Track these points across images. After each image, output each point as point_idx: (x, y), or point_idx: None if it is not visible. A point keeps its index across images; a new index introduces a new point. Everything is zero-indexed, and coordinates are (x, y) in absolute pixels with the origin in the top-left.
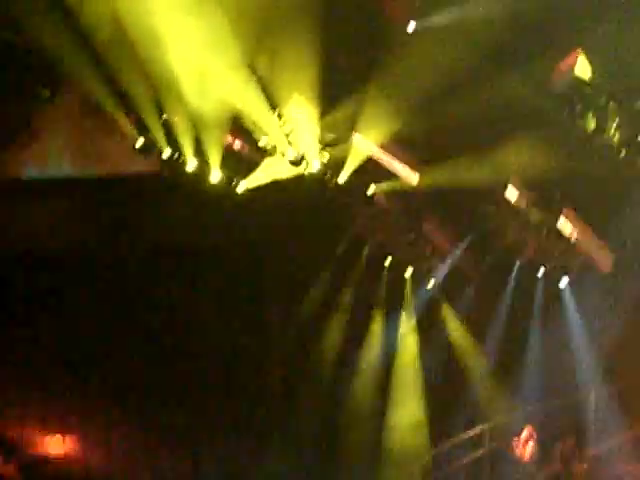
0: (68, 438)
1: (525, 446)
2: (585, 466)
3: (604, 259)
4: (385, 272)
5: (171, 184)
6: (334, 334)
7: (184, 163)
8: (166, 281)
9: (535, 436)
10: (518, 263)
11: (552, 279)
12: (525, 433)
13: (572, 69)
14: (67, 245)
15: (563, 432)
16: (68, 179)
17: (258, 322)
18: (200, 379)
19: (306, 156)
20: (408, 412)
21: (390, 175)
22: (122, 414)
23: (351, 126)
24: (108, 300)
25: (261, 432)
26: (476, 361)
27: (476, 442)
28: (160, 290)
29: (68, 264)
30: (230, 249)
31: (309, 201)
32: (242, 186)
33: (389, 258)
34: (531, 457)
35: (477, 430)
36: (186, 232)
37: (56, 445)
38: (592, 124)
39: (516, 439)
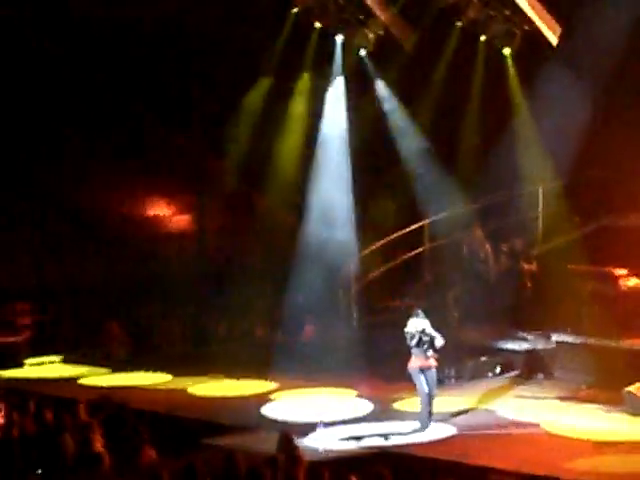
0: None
1: (480, 246)
2: (533, 266)
3: (551, 30)
4: (314, 36)
5: None
6: (258, 94)
7: None
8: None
9: (484, 235)
10: (458, 25)
11: (494, 47)
12: (477, 233)
13: None
14: None
15: (511, 231)
16: None
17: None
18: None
19: None
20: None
21: None
22: None
23: None
24: None
25: None
26: (409, 139)
27: (415, 239)
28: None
29: None
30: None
31: None
32: None
33: (318, 23)
34: (487, 256)
35: (415, 226)
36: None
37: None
38: None
39: (467, 237)
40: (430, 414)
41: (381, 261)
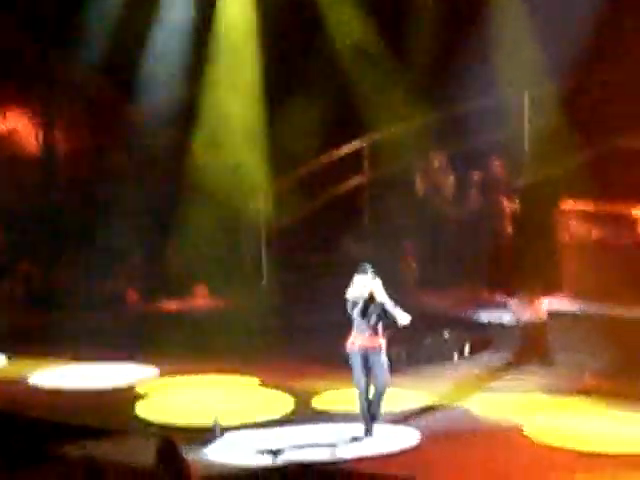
0: None
1: (441, 177)
2: (516, 204)
3: None
4: None
5: None
6: None
7: None
8: None
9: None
10: None
11: None
12: (436, 162)
13: None
14: None
15: (485, 156)
16: None
17: None
18: None
19: None
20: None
21: None
22: None
23: None
24: None
25: None
26: (340, 21)
27: (350, 168)
28: None
29: None
30: None
31: None
32: None
33: None
34: (450, 191)
35: (351, 147)
36: None
37: None
38: None
39: (422, 164)
40: (374, 416)
41: (302, 198)
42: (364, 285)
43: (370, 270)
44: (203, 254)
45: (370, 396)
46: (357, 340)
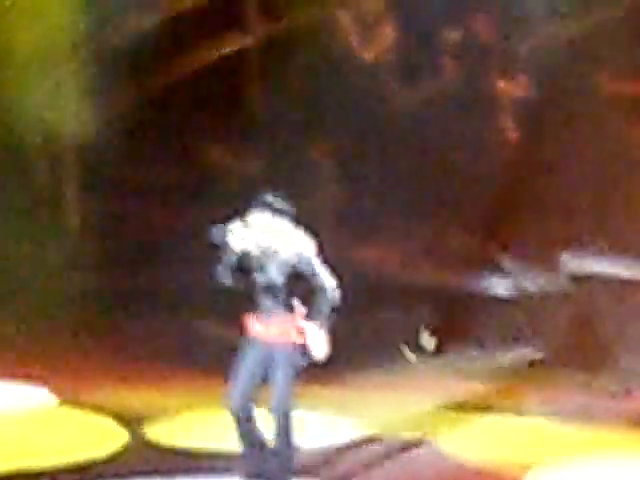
0: None
1: (380, 37)
2: (520, 84)
3: None
4: None
5: None
6: None
7: None
8: None
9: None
10: None
11: None
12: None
13: None
14: None
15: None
16: None
17: None
18: None
19: None
20: None
21: None
22: None
23: None
24: None
25: None
26: None
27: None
28: None
29: None
30: None
31: None
32: None
33: None
34: (400, 62)
35: None
36: None
37: None
38: None
39: (347, 20)
40: (282, 464)
41: (135, 78)
42: (262, 230)
43: (279, 199)
44: None
45: (258, 421)
46: (256, 325)
